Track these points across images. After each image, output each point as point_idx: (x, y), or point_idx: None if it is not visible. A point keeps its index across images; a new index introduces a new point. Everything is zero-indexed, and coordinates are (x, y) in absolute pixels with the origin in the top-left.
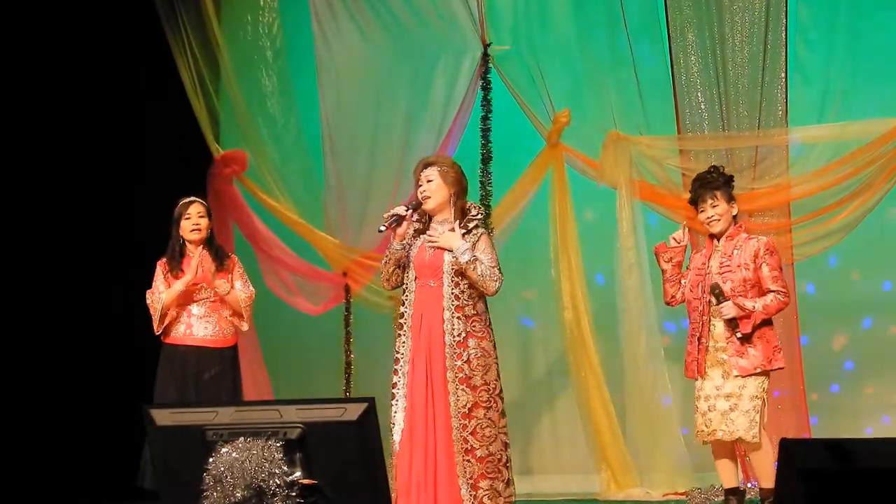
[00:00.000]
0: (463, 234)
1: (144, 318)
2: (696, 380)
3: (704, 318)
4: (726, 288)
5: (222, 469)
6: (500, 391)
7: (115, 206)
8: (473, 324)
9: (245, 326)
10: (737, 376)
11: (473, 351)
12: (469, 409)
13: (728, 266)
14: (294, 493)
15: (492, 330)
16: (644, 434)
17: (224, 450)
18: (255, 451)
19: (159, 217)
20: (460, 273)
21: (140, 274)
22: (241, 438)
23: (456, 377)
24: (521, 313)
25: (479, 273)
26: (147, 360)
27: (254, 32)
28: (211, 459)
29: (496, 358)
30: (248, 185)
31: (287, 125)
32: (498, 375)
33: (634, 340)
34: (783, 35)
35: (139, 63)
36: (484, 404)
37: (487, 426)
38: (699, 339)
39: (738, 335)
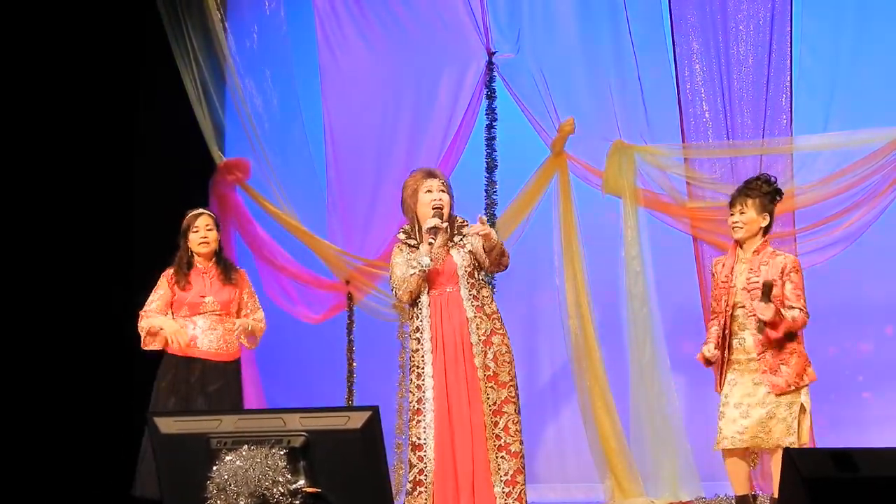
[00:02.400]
0: (461, 239)
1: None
2: (727, 384)
3: (727, 331)
4: (754, 304)
5: (226, 477)
6: (518, 388)
7: (116, 213)
8: (494, 321)
9: (252, 346)
10: (769, 393)
11: (498, 348)
12: (499, 405)
13: (756, 282)
14: (298, 502)
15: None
16: (649, 443)
17: (228, 458)
18: (258, 460)
19: (162, 224)
20: (473, 274)
21: (141, 281)
22: (245, 446)
23: (485, 375)
24: (525, 321)
25: (503, 246)
26: (139, 367)
27: (259, 41)
28: (215, 467)
29: (513, 355)
30: (251, 192)
31: (291, 133)
32: (515, 372)
33: (640, 349)
34: (788, 43)
35: (142, 69)
36: (512, 400)
37: (518, 421)
38: (725, 353)
39: (758, 335)
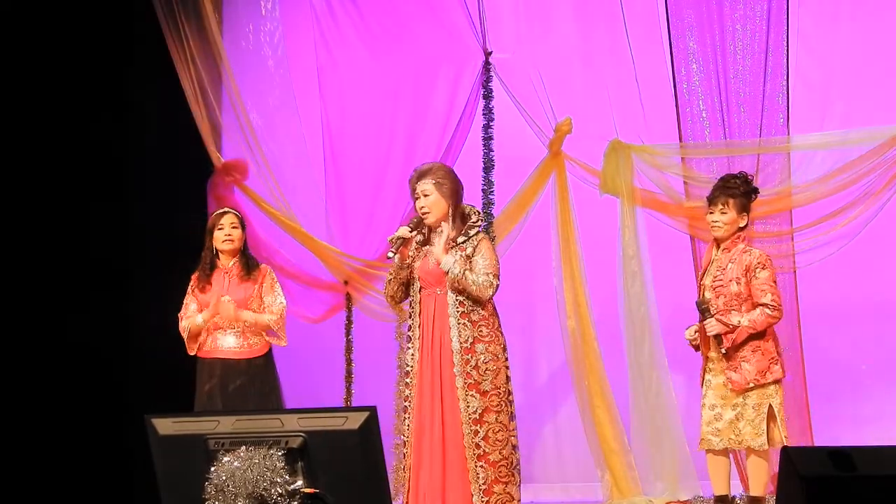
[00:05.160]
0: (463, 242)
1: (146, 326)
2: (704, 385)
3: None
4: (719, 303)
5: (224, 478)
6: (511, 395)
7: (114, 214)
8: (480, 329)
9: (283, 342)
10: (732, 390)
11: (482, 356)
12: (480, 414)
13: (721, 280)
14: (296, 502)
15: (501, 333)
16: (647, 442)
17: (226, 459)
18: (256, 460)
19: (160, 225)
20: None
21: (140, 282)
22: (243, 447)
23: (465, 383)
24: (523, 322)
25: (471, 282)
26: (136, 368)
27: (255, 41)
28: (212, 468)
29: (506, 361)
30: (249, 193)
31: (288, 133)
32: (508, 379)
33: (638, 348)
34: (784, 42)
35: (139, 69)
36: (495, 409)
37: (499, 430)
38: (703, 350)
39: (723, 351)
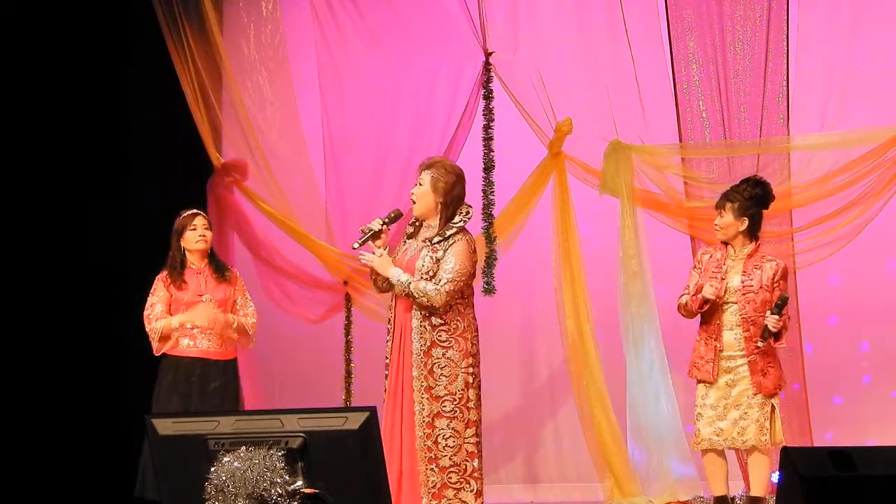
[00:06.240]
0: (438, 242)
1: (138, 330)
2: (704, 384)
3: (718, 322)
4: (749, 309)
5: (224, 478)
6: (470, 401)
7: (114, 214)
8: (440, 333)
9: (252, 345)
10: (756, 393)
11: (437, 361)
12: (432, 418)
13: (751, 287)
14: (296, 502)
15: (466, 339)
16: (647, 443)
17: (226, 459)
18: (256, 461)
19: (159, 225)
20: (431, 280)
21: (138, 283)
22: (243, 447)
23: (421, 386)
24: (522, 322)
25: (417, 293)
26: (132, 368)
27: (256, 41)
28: (213, 468)
29: (469, 367)
30: (249, 194)
31: (288, 134)
32: (467, 385)
33: (637, 349)
34: (784, 42)
35: (139, 70)
36: (447, 414)
37: (451, 436)
38: (716, 344)
39: (759, 344)
